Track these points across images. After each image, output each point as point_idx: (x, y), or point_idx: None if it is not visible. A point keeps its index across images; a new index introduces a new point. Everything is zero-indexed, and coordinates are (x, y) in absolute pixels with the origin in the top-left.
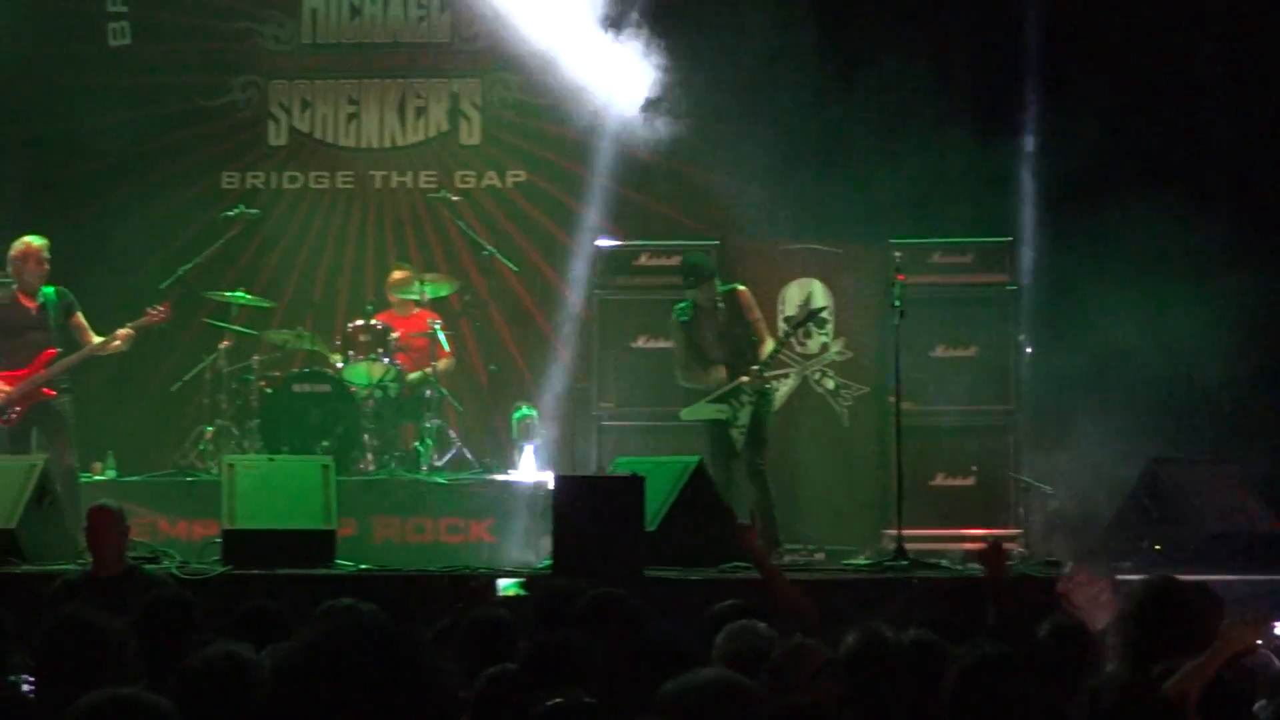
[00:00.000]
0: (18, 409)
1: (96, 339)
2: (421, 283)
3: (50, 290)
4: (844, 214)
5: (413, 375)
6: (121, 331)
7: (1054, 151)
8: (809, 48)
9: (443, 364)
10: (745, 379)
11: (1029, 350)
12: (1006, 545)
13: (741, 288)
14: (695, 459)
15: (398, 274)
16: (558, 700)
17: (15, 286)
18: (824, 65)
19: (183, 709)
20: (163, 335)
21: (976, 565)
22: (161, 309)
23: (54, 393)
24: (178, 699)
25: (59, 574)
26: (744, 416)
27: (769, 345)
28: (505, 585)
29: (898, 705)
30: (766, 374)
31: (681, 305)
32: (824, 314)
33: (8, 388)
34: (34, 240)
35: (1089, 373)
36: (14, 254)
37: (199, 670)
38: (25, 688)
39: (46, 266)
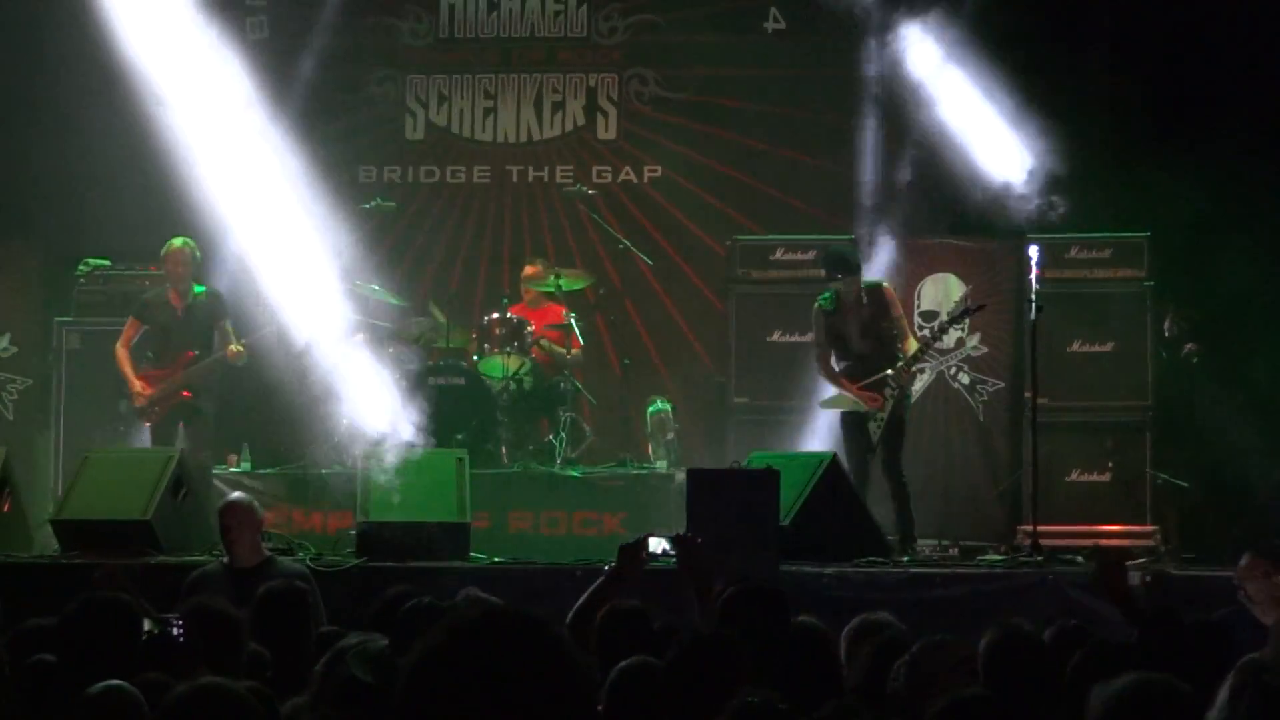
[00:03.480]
0: (158, 409)
1: (233, 348)
2: (556, 276)
3: (200, 291)
4: (981, 208)
5: (543, 343)
6: (232, 349)
7: (1195, 143)
8: (942, 39)
9: (574, 353)
10: (890, 372)
11: (1190, 347)
12: (1141, 542)
13: (886, 284)
14: (829, 454)
15: (533, 268)
16: (752, 699)
17: (169, 285)
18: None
19: None
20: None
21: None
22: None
23: (190, 395)
24: None
25: (194, 565)
26: (883, 410)
27: (912, 344)
28: (656, 543)
29: (1036, 699)
30: (911, 370)
31: (825, 295)
32: (980, 310)
33: (148, 391)
34: (175, 242)
35: (1226, 366)
36: (161, 256)
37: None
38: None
39: (188, 268)
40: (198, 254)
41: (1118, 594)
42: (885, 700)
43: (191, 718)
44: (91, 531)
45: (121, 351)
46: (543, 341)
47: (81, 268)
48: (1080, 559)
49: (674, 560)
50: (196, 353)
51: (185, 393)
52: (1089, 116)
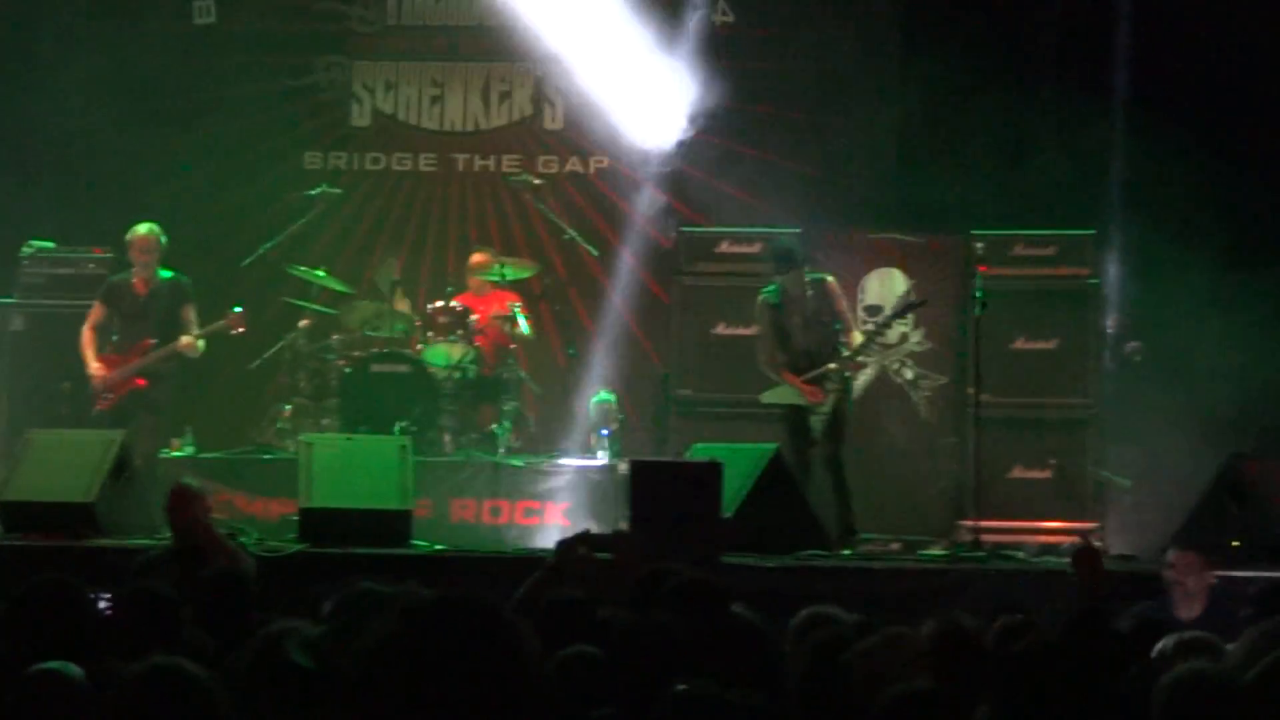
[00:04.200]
0: (111, 394)
1: (186, 339)
2: (502, 265)
3: (166, 277)
4: (925, 204)
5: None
6: (184, 340)
7: (1138, 143)
8: (892, 36)
9: (519, 333)
10: (833, 365)
11: (1132, 345)
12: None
13: (830, 278)
14: (773, 446)
15: (478, 256)
16: (683, 688)
17: (134, 270)
18: (906, 53)
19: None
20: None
21: (1066, 563)
22: (237, 317)
23: (145, 383)
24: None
25: (138, 549)
26: (826, 404)
27: (856, 337)
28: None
29: (976, 693)
30: (854, 364)
31: (770, 288)
32: (922, 305)
33: (105, 372)
34: (139, 228)
35: (1167, 366)
36: (126, 240)
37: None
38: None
39: (153, 254)
40: (163, 239)
41: (1093, 584)
42: (828, 693)
43: (147, 698)
44: (34, 513)
45: (87, 333)
46: (494, 318)
47: (26, 249)
48: (1021, 554)
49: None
50: (155, 340)
51: (140, 380)
52: (1036, 112)
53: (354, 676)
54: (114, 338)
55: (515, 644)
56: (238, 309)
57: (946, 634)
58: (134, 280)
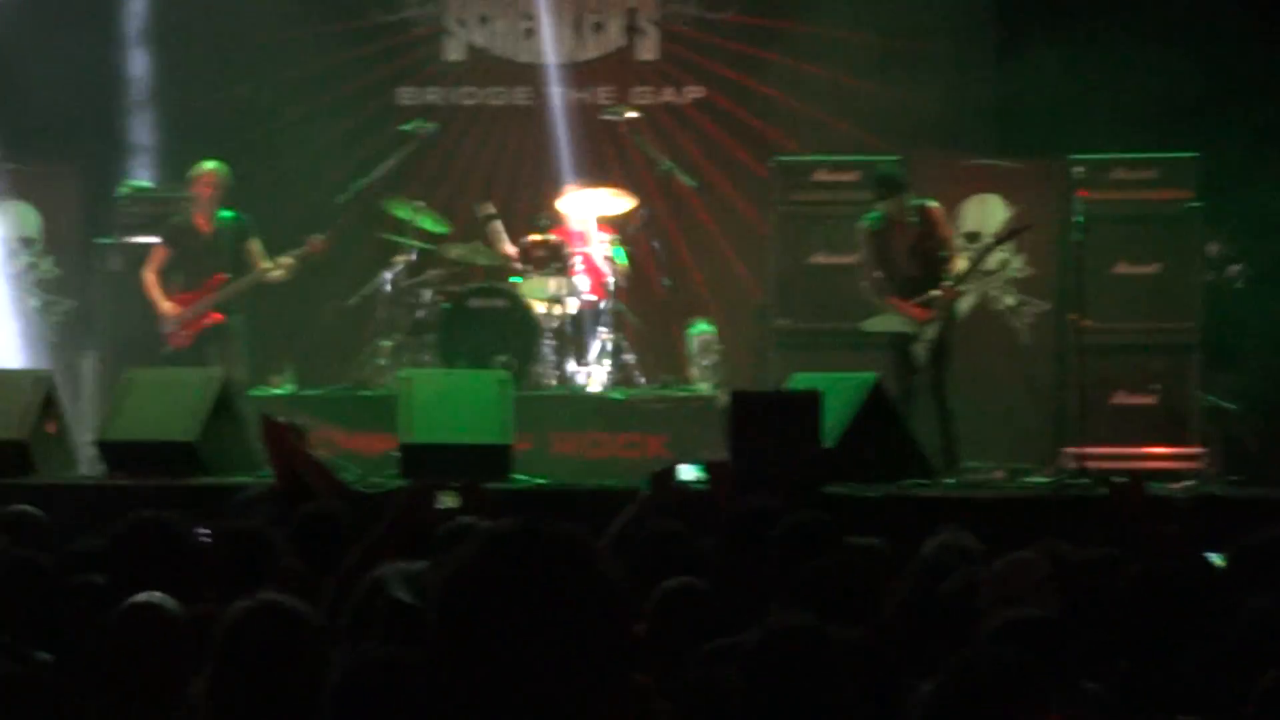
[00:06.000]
0: (185, 331)
1: (264, 265)
2: (597, 199)
3: (228, 215)
4: (1025, 128)
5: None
6: (284, 260)
7: (1246, 63)
8: None
9: (622, 263)
10: (938, 292)
11: (1234, 268)
12: (1187, 464)
13: (934, 204)
14: (873, 376)
15: (573, 190)
16: (783, 619)
17: (194, 209)
18: None
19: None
20: (329, 261)
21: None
22: (320, 240)
23: (222, 317)
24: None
25: (239, 487)
26: (930, 331)
27: (961, 263)
28: (686, 470)
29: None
30: (958, 290)
31: (873, 215)
32: (1028, 229)
33: (177, 310)
34: (206, 165)
35: (1274, 288)
36: (190, 177)
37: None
38: None
39: (219, 191)
40: (229, 178)
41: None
42: (949, 619)
43: (254, 633)
44: (135, 452)
45: (150, 276)
46: (599, 246)
47: (123, 189)
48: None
49: (707, 484)
50: (228, 275)
51: (216, 315)
52: (1139, 35)
53: (435, 606)
54: (179, 280)
55: (595, 570)
56: (318, 235)
57: (1068, 561)
58: (195, 218)
